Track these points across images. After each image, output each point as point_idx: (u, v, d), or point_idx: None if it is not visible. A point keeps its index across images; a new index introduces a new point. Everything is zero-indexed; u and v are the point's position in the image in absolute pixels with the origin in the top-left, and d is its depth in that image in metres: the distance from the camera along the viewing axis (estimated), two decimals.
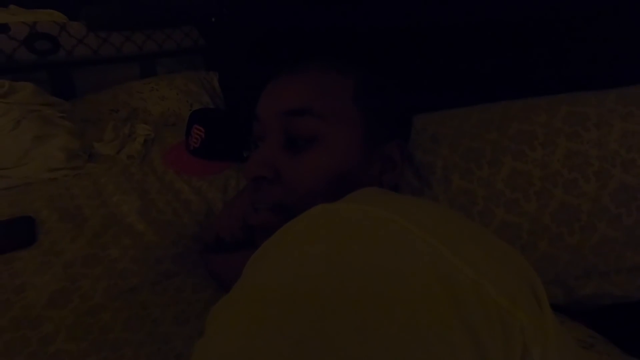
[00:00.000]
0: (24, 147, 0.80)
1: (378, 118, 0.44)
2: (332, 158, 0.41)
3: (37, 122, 0.83)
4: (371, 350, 0.19)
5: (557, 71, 0.60)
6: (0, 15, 1.28)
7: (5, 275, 0.56)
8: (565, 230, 0.45)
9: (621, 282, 0.46)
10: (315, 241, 0.24)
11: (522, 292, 0.23)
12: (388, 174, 0.45)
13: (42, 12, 1.34)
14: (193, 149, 0.88)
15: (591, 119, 0.47)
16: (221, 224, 0.61)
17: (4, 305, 0.51)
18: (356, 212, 0.24)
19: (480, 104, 0.59)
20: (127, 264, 0.59)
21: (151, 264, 0.60)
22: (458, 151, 0.52)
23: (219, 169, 0.85)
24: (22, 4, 1.34)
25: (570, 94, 0.52)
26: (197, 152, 0.87)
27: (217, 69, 1.40)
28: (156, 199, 0.76)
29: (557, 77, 0.59)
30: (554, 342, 0.22)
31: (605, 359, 0.39)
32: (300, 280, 0.22)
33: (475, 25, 0.65)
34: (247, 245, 0.57)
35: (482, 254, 0.23)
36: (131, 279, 0.57)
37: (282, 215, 0.41)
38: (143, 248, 0.63)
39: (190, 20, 1.42)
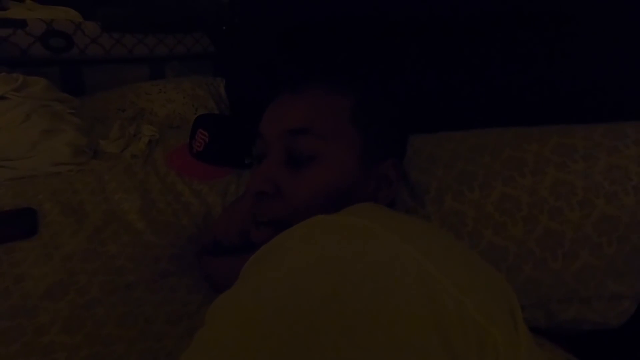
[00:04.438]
0: (32, 140, 0.82)
1: (375, 138, 0.46)
2: (330, 175, 0.43)
3: (47, 116, 0.85)
4: (352, 356, 0.20)
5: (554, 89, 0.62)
6: (16, 10, 1.31)
7: (6, 264, 0.57)
8: (549, 255, 0.47)
9: (601, 309, 0.47)
10: (310, 250, 0.26)
11: (499, 312, 0.25)
12: (383, 191, 0.47)
13: (58, 9, 1.37)
14: (196, 152, 0.90)
15: (579, 151, 0.49)
16: (219, 227, 0.63)
17: (3, 294, 0.52)
18: (352, 224, 0.26)
19: (477, 129, 0.61)
20: (125, 261, 0.61)
21: (148, 262, 0.61)
22: (452, 173, 0.54)
23: (221, 174, 0.87)
24: (38, 0, 1.38)
25: (561, 125, 0.55)
26: (200, 156, 0.89)
27: (225, 75, 1.43)
28: (157, 199, 0.77)
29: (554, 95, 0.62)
30: (526, 358, 0.24)
31: None
32: (292, 290, 0.23)
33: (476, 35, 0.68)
34: (243, 250, 0.58)
35: (466, 274, 0.25)
36: (127, 275, 0.58)
37: (281, 231, 0.43)
38: (141, 246, 0.65)
39: (201, 27, 1.46)
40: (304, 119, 0.44)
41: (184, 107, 1.26)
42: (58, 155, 0.83)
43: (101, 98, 1.19)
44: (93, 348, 0.46)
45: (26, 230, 0.64)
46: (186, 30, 1.41)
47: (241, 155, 0.92)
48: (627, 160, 0.47)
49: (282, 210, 0.43)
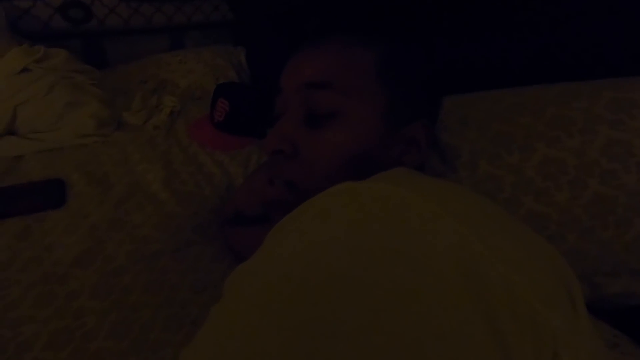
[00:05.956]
0: (56, 112, 0.83)
1: (402, 96, 0.42)
2: (350, 136, 0.40)
3: (70, 88, 0.85)
4: (377, 338, 0.18)
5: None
6: None
7: (37, 233, 0.59)
8: (598, 223, 0.42)
9: None
10: (337, 219, 0.23)
11: (557, 293, 0.21)
12: (410, 155, 0.43)
13: None
14: (217, 122, 0.88)
15: (638, 106, 0.43)
16: (241, 198, 0.62)
17: (36, 261, 0.53)
18: (383, 192, 0.23)
19: (514, 87, 0.56)
20: (149, 231, 0.61)
21: (172, 232, 0.62)
22: (487, 135, 0.50)
23: (242, 144, 0.86)
24: None
25: (617, 78, 0.48)
26: (221, 126, 0.88)
27: (245, 44, 1.39)
28: (179, 170, 0.77)
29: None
30: (588, 346, 0.21)
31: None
32: (316, 262, 0.21)
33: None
34: (265, 220, 0.57)
35: (516, 249, 0.21)
36: (152, 244, 0.58)
37: (296, 193, 0.41)
38: (165, 216, 0.65)
39: None
40: (324, 73, 0.40)
41: (204, 78, 1.24)
42: (83, 127, 0.84)
43: (123, 70, 1.19)
44: (121, 312, 0.47)
45: (55, 201, 0.65)
46: None
47: (262, 125, 0.90)
48: None
49: (299, 172, 0.40)
